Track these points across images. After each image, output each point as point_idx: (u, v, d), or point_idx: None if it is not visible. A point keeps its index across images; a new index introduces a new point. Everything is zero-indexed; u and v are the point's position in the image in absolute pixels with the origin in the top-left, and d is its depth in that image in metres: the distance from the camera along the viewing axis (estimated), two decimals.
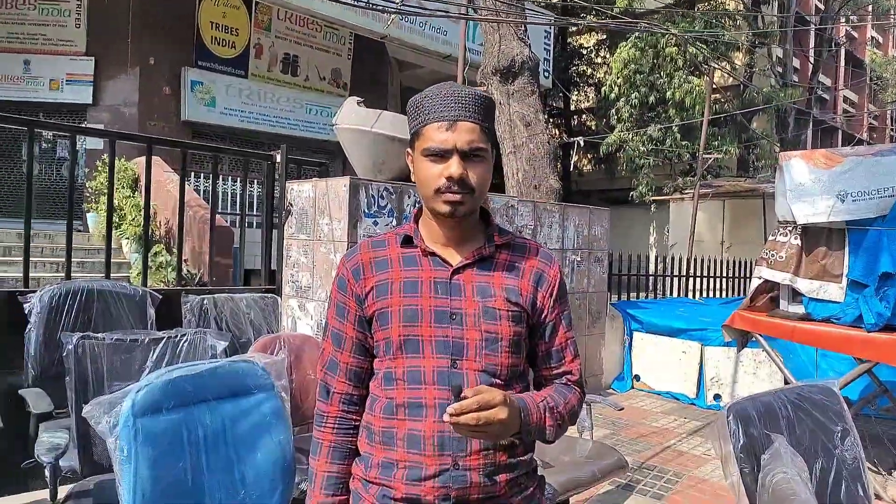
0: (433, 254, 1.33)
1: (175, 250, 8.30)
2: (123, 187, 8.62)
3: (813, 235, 3.68)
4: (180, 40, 11.46)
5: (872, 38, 29.39)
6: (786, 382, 5.31)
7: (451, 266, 1.32)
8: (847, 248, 3.55)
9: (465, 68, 6.64)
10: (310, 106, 13.04)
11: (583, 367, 1.44)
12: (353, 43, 13.83)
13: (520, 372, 1.35)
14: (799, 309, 3.76)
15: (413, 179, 1.35)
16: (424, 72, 14.73)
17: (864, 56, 28.13)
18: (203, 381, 1.98)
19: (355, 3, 9.02)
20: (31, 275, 3.32)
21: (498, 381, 1.28)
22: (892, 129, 29.82)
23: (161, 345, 2.63)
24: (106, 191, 8.56)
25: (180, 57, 11.47)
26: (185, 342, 2.67)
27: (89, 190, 9.26)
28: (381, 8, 8.78)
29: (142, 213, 8.17)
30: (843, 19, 21.52)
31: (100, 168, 9.10)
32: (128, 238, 8.44)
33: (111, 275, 3.73)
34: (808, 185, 3.60)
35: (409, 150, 1.36)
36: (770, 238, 3.93)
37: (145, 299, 3.19)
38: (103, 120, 10.64)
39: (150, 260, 7.92)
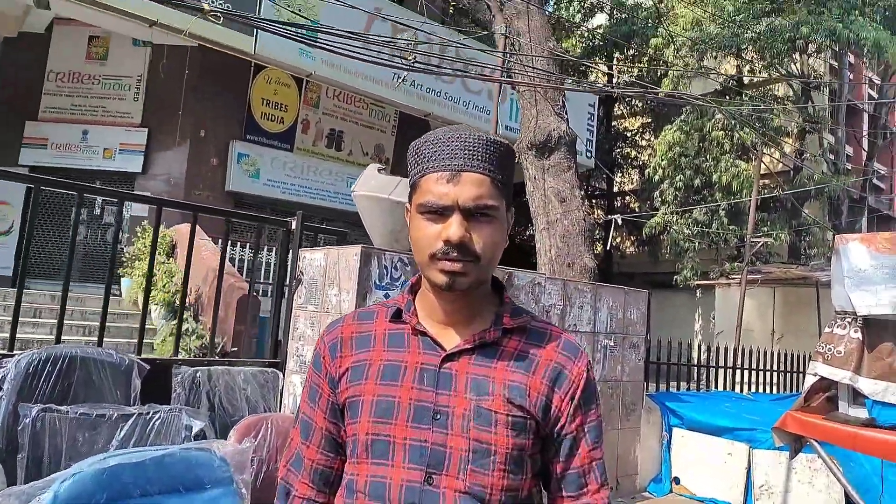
0: (424, 333, 1.06)
1: (203, 318, 8.30)
2: (159, 253, 8.69)
3: (876, 329, 3.25)
4: (231, 114, 11.88)
5: None
6: (846, 496, 4.69)
7: (444, 351, 1.04)
8: None
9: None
10: (351, 180, 13.17)
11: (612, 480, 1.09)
12: (397, 120, 14.12)
13: (521, 498, 1.02)
14: (861, 412, 3.28)
15: (409, 241, 1.09)
16: None
17: None
18: (146, 471, 1.70)
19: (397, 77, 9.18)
20: (53, 339, 3.19)
21: None
22: None
23: (130, 422, 2.39)
24: (142, 256, 8.68)
25: (230, 130, 11.85)
26: (157, 420, 2.42)
27: (126, 255, 9.39)
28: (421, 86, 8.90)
29: (172, 279, 8.24)
30: None
31: (140, 234, 9.24)
32: (157, 304, 8.41)
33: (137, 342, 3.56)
34: (870, 272, 3.21)
35: (406, 205, 1.11)
36: (826, 330, 3.50)
37: (132, 369, 2.97)
38: (151, 188, 10.93)
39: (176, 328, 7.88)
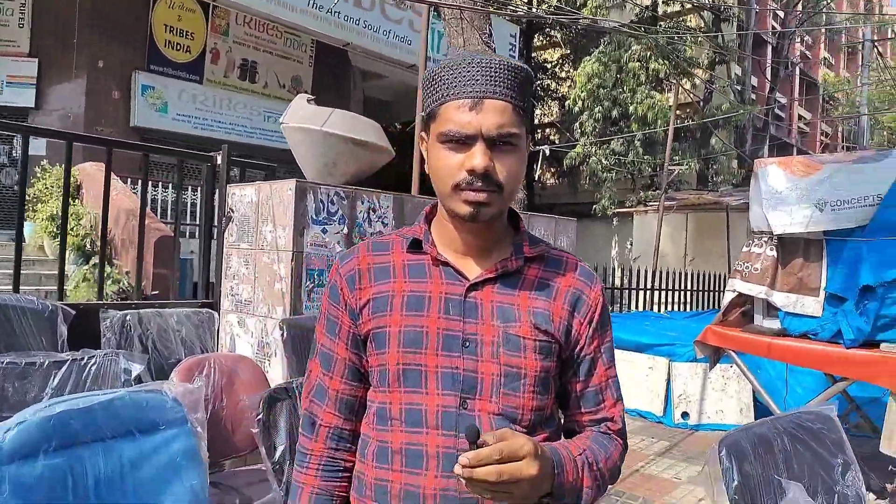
0: (446, 263, 1.05)
1: (117, 262, 7.90)
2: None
3: (789, 246, 3.50)
4: (131, 43, 10.98)
5: (825, 58, 30.33)
6: (754, 399, 5.15)
7: (468, 280, 1.04)
8: (825, 260, 3.38)
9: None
10: (268, 114, 12.63)
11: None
12: (314, 50, 13.51)
13: (546, 416, 1.07)
14: (775, 324, 3.57)
15: (426, 170, 1.05)
16: (388, 82, 14.47)
17: (817, 76, 29.00)
18: (95, 416, 1.63)
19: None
20: None
21: (519, 427, 1.01)
22: (842, 147, 30.71)
23: (63, 369, 2.27)
24: (44, 198, 8.07)
25: (131, 60, 10.98)
26: (92, 365, 2.31)
27: (27, 197, 8.70)
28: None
29: (80, 221, 7.75)
30: (798, 39, 22.10)
31: (39, 174, 8.57)
32: (67, 248, 7.91)
33: (49, 289, 3.33)
34: (785, 194, 3.43)
35: (422, 133, 1.07)
36: (744, 249, 3.74)
37: (56, 315, 2.81)
38: (46, 124, 10.04)
39: (89, 272, 7.46)
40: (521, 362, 1.02)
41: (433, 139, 1.02)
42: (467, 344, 1.02)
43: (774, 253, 3.54)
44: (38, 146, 9.38)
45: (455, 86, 0.98)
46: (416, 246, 1.09)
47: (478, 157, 0.96)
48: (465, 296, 1.03)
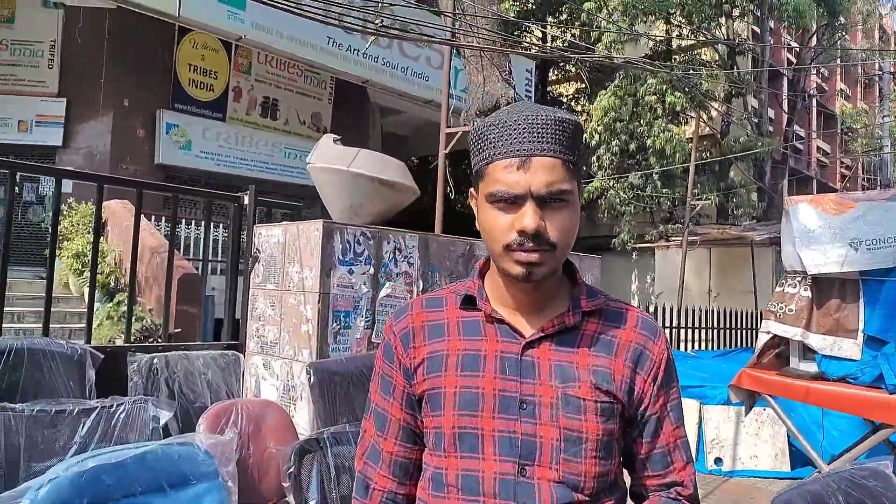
0: (501, 320, 1.02)
1: (140, 299, 7.94)
2: (89, 232, 8.21)
3: (825, 286, 3.41)
4: (156, 82, 11.24)
5: (842, 90, 30.28)
6: (789, 444, 4.99)
7: (524, 338, 1.00)
8: (862, 301, 3.29)
9: (450, 111, 6.43)
10: (289, 150, 12.81)
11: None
12: (334, 87, 13.73)
13: (610, 482, 1.01)
14: (811, 367, 3.46)
15: (478, 229, 1.03)
16: (406, 117, 14.65)
17: (834, 108, 28.91)
18: (127, 471, 1.60)
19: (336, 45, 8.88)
20: None
21: (581, 496, 0.97)
22: (863, 179, 30.44)
23: (93, 416, 2.24)
24: (70, 235, 8.18)
25: (156, 99, 11.23)
26: (121, 413, 2.28)
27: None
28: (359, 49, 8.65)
29: (105, 259, 7.82)
30: (814, 71, 22.11)
31: (65, 212, 8.70)
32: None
33: (73, 327, 3.33)
34: (818, 233, 3.35)
35: (472, 190, 1.05)
36: (777, 289, 3.65)
37: (84, 359, 2.79)
38: (74, 163, 10.26)
39: (113, 310, 7.50)
40: (582, 426, 0.98)
41: (482, 199, 1.00)
42: (525, 406, 0.98)
43: (809, 293, 3.45)
44: (65, 185, 9.55)
45: (502, 144, 0.97)
46: (469, 302, 1.06)
47: (528, 217, 0.93)
48: (521, 354, 1.00)
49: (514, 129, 0.96)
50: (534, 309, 1.04)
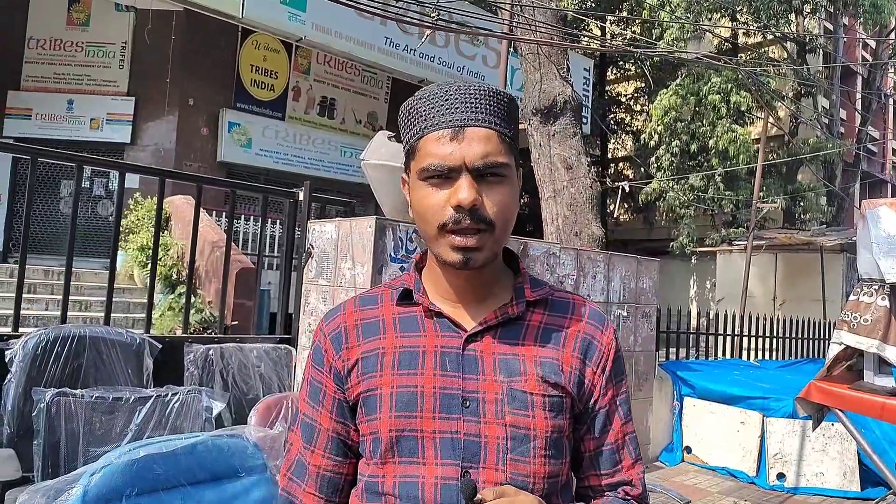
0: (440, 314, 0.95)
1: (200, 292, 8.18)
2: (153, 226, 8.50)
3: None
4: (220, 82, 11.56)
5: None
6: (859, 462, 4.70)
7: (465, 331, 0.94)
8: None
9: None
10: (344, 148, 12.98)
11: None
12: (390, 87, 13.84)
13: (562, 484, 0.94)
14: (888, 381, 3.24)
15: (410, 214, 0.97)
16: None
17: None
18: (177, 461, 1.61)
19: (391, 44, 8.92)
20: (50, 315, 3.05)
21: None
22: None
23: (148, 404, 2.29)
24: (136, 229, 8.49)
25: (219, 98, 11.55)
26: (175, 402, 2.32)
27: (121, 228, 9.19)
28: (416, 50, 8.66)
29: (168, 252, 8.09)
30: (891, 69, 20.96)
31: (132, 206, 9.04)
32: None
33: (136, 316, 3.44)
34: None
35: (403, 175, 0.98)
36: (851, 298, 3.44)
37: (143, 348, 2.86)
38: (141, 159, 10.67)
39: (174, 302, 7.75)
40: (530, 422, 0.90)
41: (413, 178, 0.93)
42: (467, 403, 0.90)
43: (887, 303, 3.23)
44: (131, 179, 9.90)
45: (433, 116, 0.90)
46: (406, 297, 0.99)
47: (463, 190, 0.86)
48: (462, 349, 0.93)
49: (446, 100, 0.90)
50: (475, 301, 0.97)
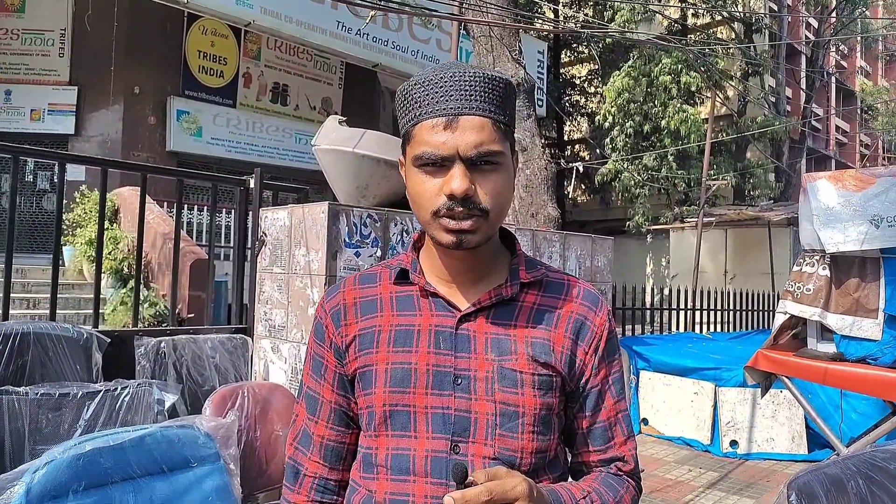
0: (435, 294, 0.98)
1: (154, 285, 7.98)
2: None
3: (844, 265, 3.32)
4: (167, 69, 11.23)
5: (861, 67, 29.63)
6: (806, 426, 4.91)
7: (459, 311, 0.96)
8: (883, 280, 3.19)
9: None
10: (299, 135, 12.77)
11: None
12: (343, 72, 13.65)
13: (550, 459, 0.97)
14: (830, 348, 3.38)
15: (407, 197, 0.98)
16: None
17: (854, 85, 28.32)
18: (126, 454, 1.57)
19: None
20: None
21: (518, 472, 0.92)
22: (883, 158, 29.85)
23: (97, 399, 2.23)
24: (83, 223, 8.22)
25: (166, 86, 11.23)
26: (126, 396, 2.27)
27: (66, 222, 8.89)
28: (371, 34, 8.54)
29: (118, 246, 7.86)
30: (833, 48, 21.64)
31: (78, 199, 8.74)
32: (105, 272, 8.03)
33: (88, 312, 3.32)
34: (838, 210, 3.25)
35: (400, 157, 0.99)
36: (795, 268, 3.56)
37: (91, 343, 2.78)
38: (86, 150, 10.33)
39: (126, 296, 7.55)
40: (518, 399, 0.93)
41: (409, 163, 0.94)
42: (459, 381, 0.93)
43: (828, 272, 3.36)
44: (77, 172, 9.60)
45: (427, 104, 0.90)
46: (403, 276, 1.01)
47: (456, 180, 0.87)
48: (456, 328, 0.95)
49: (441, 87, 0.90)
50: (470, 281, 0.99)
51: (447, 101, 0.89)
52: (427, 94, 0.91)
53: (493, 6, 6.23)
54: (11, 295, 7.43)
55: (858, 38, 21.12)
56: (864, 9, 18.58)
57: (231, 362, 3.23)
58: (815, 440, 4.90)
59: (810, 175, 3.50)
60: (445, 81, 0.90)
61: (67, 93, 10.78)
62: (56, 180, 10.87)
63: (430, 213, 0.91)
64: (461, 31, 6.45)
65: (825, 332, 3.41)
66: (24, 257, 9.11)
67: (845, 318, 3.31)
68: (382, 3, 6.38)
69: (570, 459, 1.06)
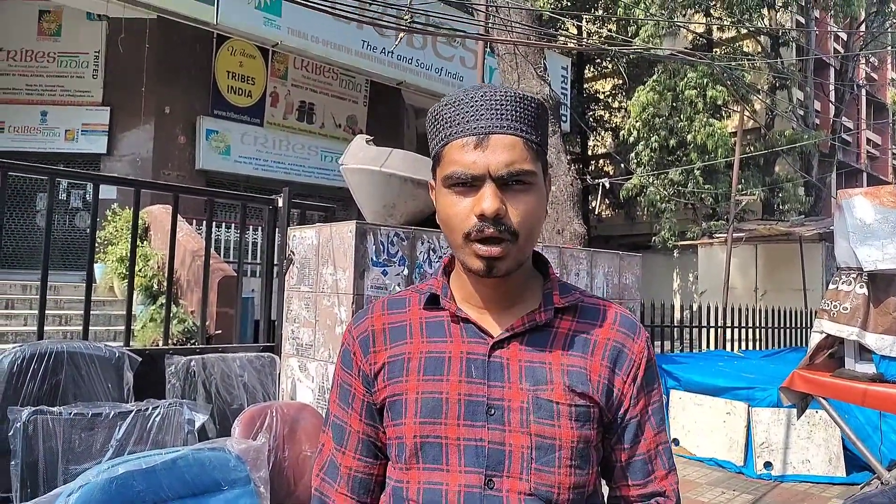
0: (467, 320, 0.94)
1: (183, 302, 8.08)
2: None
3: (882, 283, 3.23)
4: (196, 89, 11.45)
5: (893, 79, 29.09)
6: (843, 448, 4.76)
7: (492, 338, 0.93)
8: None
9: None
10: (325, 153, 12.91)
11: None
12: (368, 90, 13.79)
13: (588, 494, 0.93)
14: (869, 368, 3.28)
15: (437, 221, 0.96)
16: None
17: (885, 98, 27.80)
18: (157, 477, 1.57)
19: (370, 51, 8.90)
20: (29, 330, 2.98)
21: None
22: None
23: (129, 419, 2.24)
24: (114, 240, 8.38)
25: (196, 106, 11.44)
26: (157, 416, 2.28)
27: (98, 240, 9.07)
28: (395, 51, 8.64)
29: (148, 263, 7.98)
30: (863, 60, 21.31)
31: (109, 217, 8.92)
32: (135, 289, 8.16)
33: (118, 329, 3.38)
34: (875, 227, 3.17)
35: (430, 181, 0.98)
36: (830, 287, 3.48)
37: (123, 362, 2.81)
38: (118, 170, 10.54)
39: (156, 313, 7.65)
40: (555, 432, 0.89)
41: (439, 185, 0.92)
42: (492, 411, 0.89)
43: (865, 291, 3.27)
44: (109, 191, 9.78)
45: (458, 123, 0.89)
46: (433, 301, 0.98)
47: (487, 199, 0.86)
48: (488, 355, 0.92)
49: (472, 107, 0.89)
50: (502, 307, 0.96)
51: (478, 120, 0.88)
52: (458, 114, 0.90)
53: (517, 24, 6.26)
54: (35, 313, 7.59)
55: (889, 50, 20.75)
56: (895, 20, 18.27)
57: (259, 381, 3.24)
58: (853, 462, 4.75)
59: (846, 191, 3.42)
60: (476, 101, 0.89)
61: (100, 113, 11.04)
62: (88, 199, 11.11)
63: (462, 236, 0.89)
64: (486, 49, 6.48)
65: (863, 353, 3.32)
66: (56, 274, 9.29)
67: (885, 337, 3.21)
68: (406, 23, 6.44)
69: (608, 494, 1.02)
